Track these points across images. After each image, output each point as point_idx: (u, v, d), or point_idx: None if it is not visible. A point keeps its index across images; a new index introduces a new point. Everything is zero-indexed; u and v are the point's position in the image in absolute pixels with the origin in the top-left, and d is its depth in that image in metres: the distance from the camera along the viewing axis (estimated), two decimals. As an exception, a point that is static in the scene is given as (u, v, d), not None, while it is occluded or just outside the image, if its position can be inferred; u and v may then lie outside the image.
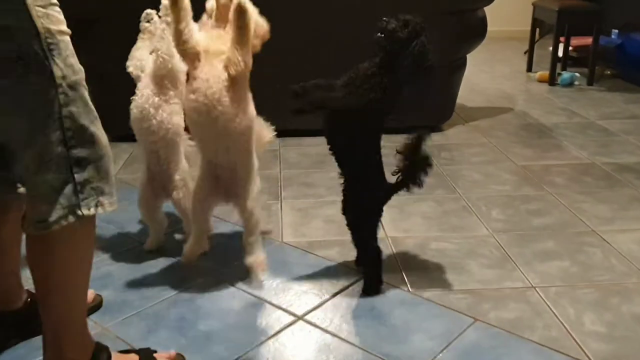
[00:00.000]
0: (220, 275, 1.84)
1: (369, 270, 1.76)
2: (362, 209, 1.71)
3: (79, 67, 1.11)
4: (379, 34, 1.56)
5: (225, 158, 1.66)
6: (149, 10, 1.87)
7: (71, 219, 1.09)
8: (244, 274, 1.77)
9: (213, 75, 1.56)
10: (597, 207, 2.31)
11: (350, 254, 1.87)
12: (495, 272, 1.86)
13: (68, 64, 1.07)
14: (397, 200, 2.35)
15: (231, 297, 1.72)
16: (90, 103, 1.13)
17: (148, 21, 1.85)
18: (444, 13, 2.96)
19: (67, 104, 1.07)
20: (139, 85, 1.80)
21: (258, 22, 1.64)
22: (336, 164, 1.71)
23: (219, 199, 1.76)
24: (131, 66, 1.84)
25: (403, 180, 1.73)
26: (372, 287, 1.74)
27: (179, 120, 1.80)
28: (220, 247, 1.99)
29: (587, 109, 3.72)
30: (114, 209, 1.17)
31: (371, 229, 1.72)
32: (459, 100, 3.41)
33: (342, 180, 1.72)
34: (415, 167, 1.71)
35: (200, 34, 1.60)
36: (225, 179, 1.70)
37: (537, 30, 4.95)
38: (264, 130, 1.92)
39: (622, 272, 1.85)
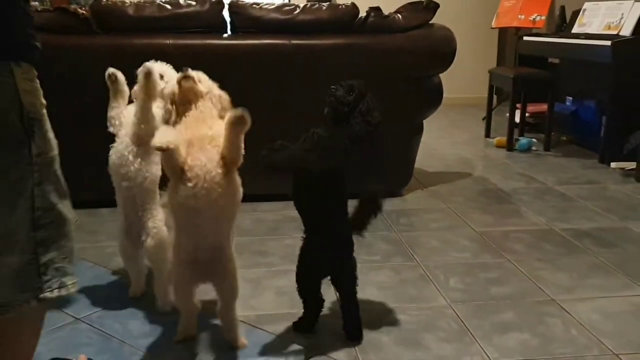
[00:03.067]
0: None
1: (356, 316, 1.80)
2: (349, 261, 1.78)
3: (55, 141, 1.05)
4: (330, 98, 1.69)
5: (213, 239, 1.65)
6: (111, 70, 1.90)
7: (33, 302, 0.99)
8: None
9: (209, 159, 1.56)
10: (557, 275, 2.26)
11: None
12: (453, 347, 1.77)
13: (46, 140, 1.01)
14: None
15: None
16: (62, 178, 1.05)
17: (113, 81, 1.90)
18: (401, 79, 2.99)
19: (40, 183, 1.00)
20: (119, 133, 1.87)
21: (222, 96, 1.71)
22: (303, 227, 1.75)
23: (199, 281, 1.72)
24: (111, 126, 1.90)
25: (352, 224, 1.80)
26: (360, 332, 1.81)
27: (156, 170, 1.85)
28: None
29: (544, 174, 3.75)
30: (75, 289, 1.08)
31: (355, 273, 1.79)
32: (418, 166, 3.40)
33: (306, 243, 1.75)
34: (362, 211, 1.79)
35: (178, 128, 1.62)
36: (205, 261, 1.66)
37: (495, 97, 5.06)
38: None
39: (583, 345, 1.78)
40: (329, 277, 1.78)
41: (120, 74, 1.90)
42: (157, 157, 1.82)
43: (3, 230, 0.97)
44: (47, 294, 1.02)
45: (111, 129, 1.90)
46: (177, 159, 1.53)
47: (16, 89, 0.96)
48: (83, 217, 2.82)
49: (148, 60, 1.96)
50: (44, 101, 1.03)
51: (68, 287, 1.06)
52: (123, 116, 1.89)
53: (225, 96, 1.73)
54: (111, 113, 1.91)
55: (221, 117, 1.66)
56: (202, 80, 1.69)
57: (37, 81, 1.02)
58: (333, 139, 1.66)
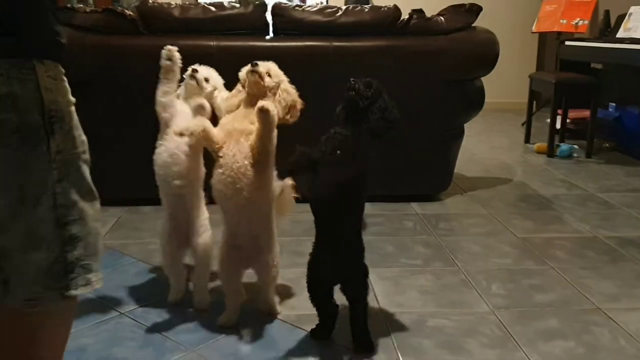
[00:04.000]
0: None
1: (365, 326, 1.73)
2: (359, 267, 1.70)
3: (82, 140, 1.05)
4: (350, 92, 1.66)
5: (247, 227, 1.77)
6: (168, 47, 1.86)
7: (59, 300, 1.01)
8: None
9: (239, 151, 1.70)
10: (602, 283, 2.21)
11: (341, 330, 1.76)
12: (496, 352, 1.74)
13: (69, 138, 1.01)
14: (392, 272, 2.27)
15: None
16: (87, 176, 1.06)
17: (169, 59, 1.84)
18: (442, 82, 2.96)
19: (61, 180, 1.00)
20: (167, 130, 1.83)
21: (289, 92, 1.80)
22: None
23: (243, 267, 1.85)
24: (162, 112, 1.84)
25: None
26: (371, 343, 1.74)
27: (202, 170, 1.90)
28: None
29: (586, 181, 3.67)
30: (101, 286, 1.09)
31: (366, 280, 1.72)
32: (457, 170, 3.36)
33: (316, 249, 1.72)
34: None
35: (227, 117, 1.79)
36: (247, 248, 1.79)
37: (534, 102, 4.98)
38: (286, 199, 2.01)
39: (633, 355, 1.73)
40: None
41: (176, 52, 1.85)
42: (201, 157, 1.88)
43: (26, 227, 0.97)
44: (73, 292, 1.02)
45: (161, 114, 1.84)
46: (210, 142, 1.71)
47: (38, 86, 0.96)
48: (126, 215, 2.87)
49: (192, 62, 2.01)
50: (71, 99, 1.02)
51: (93, 283, 1.06)
52: (177, 110, 1.85)
53: (291, 93, 1.80)
54: (163, 99, 1.84)
55: (286, 113, 1.79)
56: (272, 74, 1.79)
57: (64, 79, 1.02)
58: (356, 137, 1.64)
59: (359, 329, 1.73)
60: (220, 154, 1.72)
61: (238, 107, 1.81)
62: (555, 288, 2.17)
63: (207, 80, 1.92)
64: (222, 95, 1.92)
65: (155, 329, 1.84)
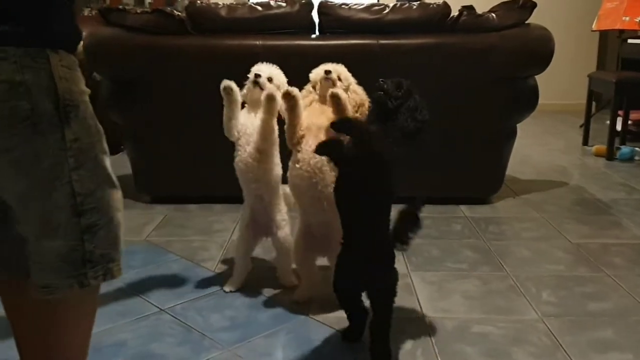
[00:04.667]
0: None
1: (386, 337, 1.62)
2: (387, 274, 1.62)
3: (97, 129, 1.06)
4: (379, 92, 1.67)
5: (321, 218, 1.88)
6: (226, 82, 1.93)
7: (77, 287, 1.01)
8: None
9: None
10: (663, 293, 2.07)
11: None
12: (544, 363, 1.65)
13: (84, 126, 1.02)
14: (437, 276, 2.20)
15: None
16: (106, 165, 1.06)
17: (228, 93, 1.94)
18: (493, 80, 2.87)
19: (77, 168, 1.00)
20: (239, 142, 1.99)
21: (357, 92, 1.94)
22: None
23: (316, 254, 1.99)
24: (230, 136, 2.00)
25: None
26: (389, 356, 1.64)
27: (278, 171, 2.02)
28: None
29: (649, 185, 3.48)
30: (120, 275, 1.09)
31: (394, 289, 1.63)
32: (509, 172, 3.24)
33: (343, 252, 1.65)
34: (402, 223, 1.57)
35: (305, 113, 1.88)
36: (320, 237, 1.92)
37: (594, 103, 4.77)
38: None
39: (695, 371, 1.61)
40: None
41: (234, 85, 1.93)
42: (277, 159, 2.01)
43: (42, 214, 0.98)
44: (92, 281, 1.02)
45: (230, 138, 2.00)
46: (295, 119, 1.83)
47: (51, 75, 0.96)
48: (172, 212, 2.90)
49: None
50: (85, 88, 1.03)
51: (113, 272, 1.06)
52: (240, 124, 1.98)
53: (359, 93, 1.94)
54: (229, 124, 1.98)
55: (355, 111, 1.88)
56: (342, 78, 1.93)
57: (77, 69, 1.03)
58: (386, 134, 1.62)
59: (378, 338, 1.62)
60: (299, 149, 1.84)
61: (308, 106, 1.92)
62: (611, 297, 2.05)
63: (270, 79, 1.98)
64: None
65: (193, 326, 1.84)
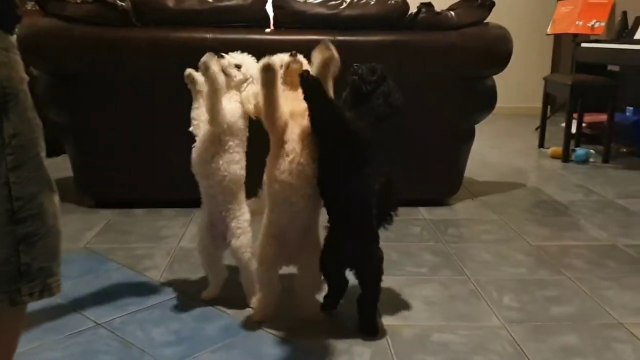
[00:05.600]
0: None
1: (373, 311, 1.75)
2: (372, 253, 1.71)
3: (37, 123, 0.91)
4: (353, 77, 1.67)
5: (300, 221, 1.69)
6: (188, 71, 1.82)
7: (6, 305, 0.86)
8: None
9: (307, 135, 1.61)
10: (623, 296, 2.03)
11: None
12: (508, 373, 1.57)
13: (24, 119, 0.87)
14: (396, 281, 2.10)
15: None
16: (45, 166, 0.91)
17: (191, 81, 1.83)
18: (452, 79, 2.80)
19: (16, 168, 0.85)
20: (199, 133, 1.82)
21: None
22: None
23: (283, 263, 1.77)
24: (192, 127, 1.85)
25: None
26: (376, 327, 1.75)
27: (238, 170, 1.81)
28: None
29: (604, 186, 3.48)
30: (59, 292, 0.94)
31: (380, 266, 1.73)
32: (467, 174, 3.19)
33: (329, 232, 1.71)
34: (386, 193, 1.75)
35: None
36: (292, 243, 1.71)
37: (549, 106, 4.80)
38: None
39: (661, 378, 1.55)
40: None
41: (197, 74, 1.78)
42: (237, 156, 1.80)
43: None
44: (26, 298, 0.88)
45: (192, 130, 1.85)
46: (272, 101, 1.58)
47: None
48: (116, 217, 2.72)
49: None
50: (24, 75, 0.88)
51: (52, 289, 0.92)
52: (202, 115, 1.82)
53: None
54: (192, 114, 1.86)
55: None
56: (305, 66, 1.75)
57: (17, 52, 0.88)
58: (360, 117, 1.64)
59: (366, 311, 1.74)
60: (285, 139, 1.61)
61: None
62: (573, 300, 1.99)
63: (238, 67, 1.81)
64: (253, 90, 1.79)
65: (133, 341, 1.68)
